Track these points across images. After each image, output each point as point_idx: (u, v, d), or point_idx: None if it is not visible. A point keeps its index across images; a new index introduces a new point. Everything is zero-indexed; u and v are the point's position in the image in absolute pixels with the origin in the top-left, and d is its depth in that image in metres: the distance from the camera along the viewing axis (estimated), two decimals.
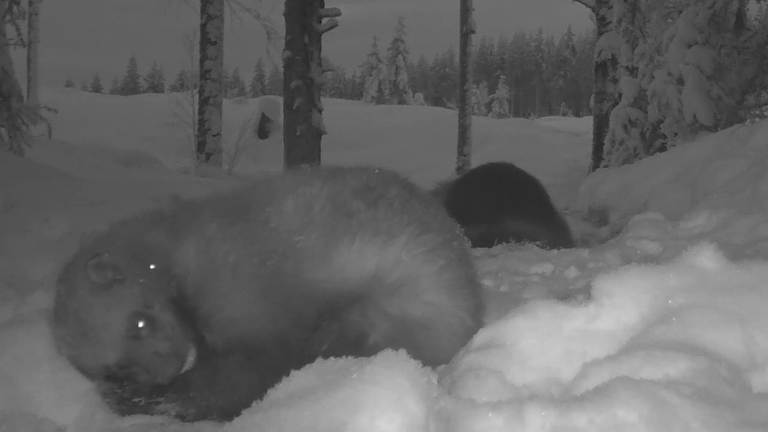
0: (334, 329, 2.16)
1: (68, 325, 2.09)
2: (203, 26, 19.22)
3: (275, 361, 2.09)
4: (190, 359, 2.13)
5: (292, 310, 2.18)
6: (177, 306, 2.13)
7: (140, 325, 2.07)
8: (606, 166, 14.57)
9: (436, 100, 75.93)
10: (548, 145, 33.86)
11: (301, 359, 1.95)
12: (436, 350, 2.18)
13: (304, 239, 2.21)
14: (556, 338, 1.89)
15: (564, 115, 73.00)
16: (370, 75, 65.20)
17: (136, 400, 2.10)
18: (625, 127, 15.08)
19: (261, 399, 1.74)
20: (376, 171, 2.46)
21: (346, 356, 1.80)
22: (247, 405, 1.76)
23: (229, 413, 1.89)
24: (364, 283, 2.19)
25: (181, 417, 2.11)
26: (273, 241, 2.21)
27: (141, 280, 2.10)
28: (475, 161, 22.71)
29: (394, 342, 2.09)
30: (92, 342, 2.07)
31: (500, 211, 5.41)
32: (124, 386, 2.12)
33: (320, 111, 13.53)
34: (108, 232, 2.27)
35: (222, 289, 2.15)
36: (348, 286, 2.19)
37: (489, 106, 68.09)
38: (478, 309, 2.34)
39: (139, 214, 2.36)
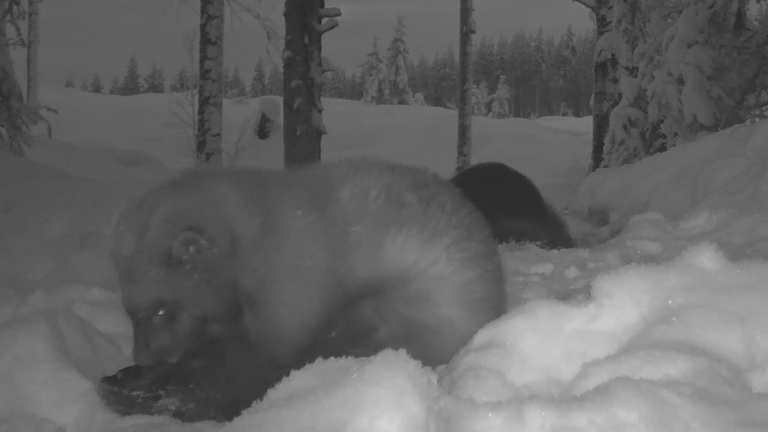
0: (345, 318, 2.18)
1: (122, 249, 2.10)
2: (203, 26, 19.20)
3: (286, 360, 2.11)
4: (170, 361, 2.16)
5: (331, 307, 2.20)
6: (211, 320, 2.14)
7: (159, 312, 2.10)
8: (606, 166, 14.56)
9: (436, 100, 75.95)
10: (548, 145, 33.87)
11: (310, 345, 1.96)
12: (442, 357, 2.18)
13: (359, 230, 2.23)
14: (556, 338, 1.90)
15: (564, 115, 73.00)
16: (370, 75, 65.19)
17: (135, 393, 2.11)
18: (625, 127, 15.07)
19: (261, 398, 1.74)
20: (433, 174, 2.49)
21: (352, 347, 1.81)
22: (246, 401, 1.77)
23: (227, 408, 1.89)
24: (394, 276, 2.21)
25: (180, 414, 2.11)
26: (335, 238, 2.22)
27: (200, 286, 2.10)
28: (475, 161, 22.70)
29: (401, 342, 2.10)
30: (124, 281, 2.11)
31: (497, 210, 5.42)
32: (122, 384, 2.13)
33: (320, 111, 13.52)
34: (208, 201, 2.17)
35: (285, 288, 2.17)
36: (379, 277, 2.21)
37: (489, 106, 68.09)
38: None
39: (236, 177, 2.30)
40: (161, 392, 2.11)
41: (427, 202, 2.30)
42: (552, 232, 5.45)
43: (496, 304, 2.35)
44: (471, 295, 2.26)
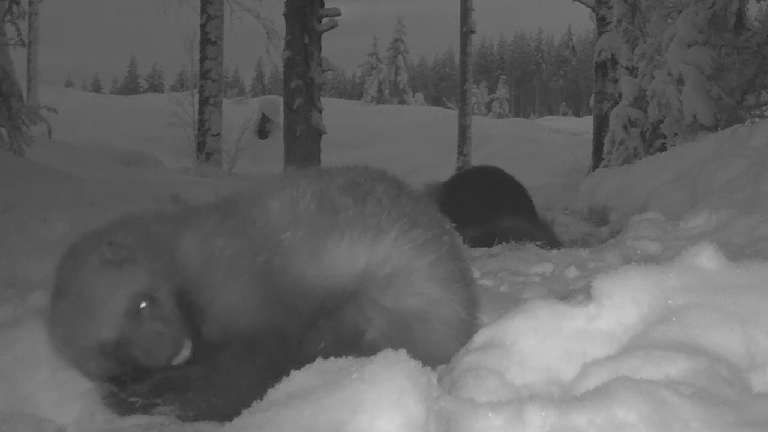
0: (331, 327, 2.17)
1: (70, 299, 2.08)
2: (203, 26, 19.23)
3: (272, 355, 2.11)
4: (185, 351, 2.11)
5: (285, 301, 2.19)
6: (177, 298, 2.15)
7: (142, 305, 2.08)
8: (606, 166, 14.58)
9: (436, 100, 75.94)
10: (548, 145, 33.90)
11: (300, 358, 1.96)
12: (431, 343, 2.18)
13: (290, 236, 2.23)
14: (556, 338, 1.89)
15: (564, 115, 73.04)
16: (370, 75, 65.22)
17: (133, 400, 2.10)
18: (625, 127, 15.09)
19: (261, 398, 1.74)
20: (363, 168, 2.47)
21: (344, 353, 1.80)
22: (246, 403, 1.76)
23: (228, 413, 1.89)
24: (355, 279, 2.20)
25: (181, 418, 2.11)
26: (261, 238, 2.23)
27: (151, 264, 2.12)
28: (475, 161, 22.74)
29: (391, 336, 2.11)
30: (92, 317, 2.05)
31: (496, 211, 5.48)
32: (122, 387, 2.12)
33: (320, 111, 13.52)
34: (119, 220, 2.30)
35: (217, 280, 2.18)
36: (340, 283, 2.20)
37: (489, 106, 68.15)
38: (471, 302, 2.35)
39: (142, 211, 2.40)
40: (158, 401, 2.10)
41: (363, 202, 2.29)
42: (545, 233, 5.52)
43: (463, 280, 2.35)
44: (436, 277, 2.25)
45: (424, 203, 2.45)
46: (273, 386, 1.75)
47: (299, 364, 1.80)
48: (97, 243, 2.11)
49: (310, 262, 2.21)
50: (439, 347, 2.18)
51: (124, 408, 2.11)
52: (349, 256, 2.21)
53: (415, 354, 1.69)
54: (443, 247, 2.32)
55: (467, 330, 2.25)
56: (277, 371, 1.84)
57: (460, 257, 2.44)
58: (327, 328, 2.17)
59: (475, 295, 2.41)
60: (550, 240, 5.41)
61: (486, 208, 5.49)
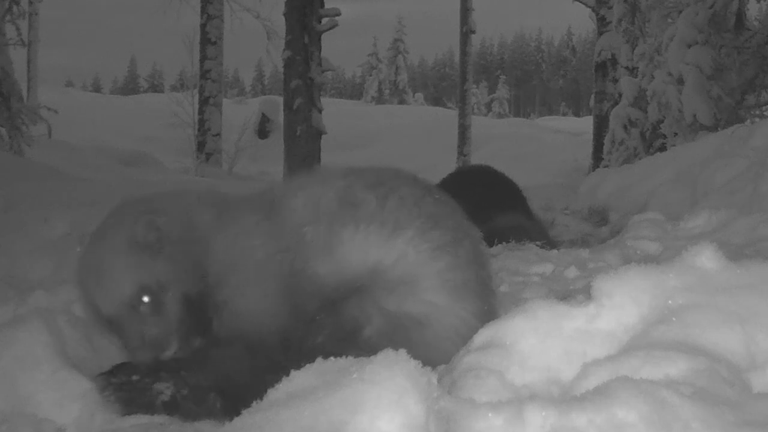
0: (330, 322, 2.18)
1: (94, 259, 2.17)
2: (203, 26, 19.24)
3: (270, 352, 2.14)
4: (168, 353, 2.17)
5: (294, 306, 2.20)
6: (193, 300, 2.17)
7: (144, 299, 2.12)
8: (606, 166, 14.58)
9: (436, 100, 75.92)
10: (548, 145, 33.90)
11: (298, 351, 1.98)
12: (431, 349, 2.17)
13: (311, 230, 2.25)
14: (556, 338, 1.89)
15: (564, 115, 73.04)
16: (370, 75, 65.24)
17: (135, 378, 2.15)
18: (625, 127, 15.09)
19: (261, 398, 1.74)
20: (393, 170, 2.46)
21: (341, 348, 1.81)
22: (242, 394, 1.79)
23: (220, 392, 1.92)
24: (364, 274, 2.20)
25: (175, 401, 2.14)
26: (287, 238, 2.25)
27: (173, 262, 2.15)
28: (475, 161, 22.75)
29: (388, 337, 2.10)
30: (101, 286, 2.14)
31: (492, 210, 5.45)
32: (119, 371, 2.16)
33: (320, 111, 13.52)
34: (168, 197, 2.34)
35: (240, 283, 2.21)
36: (349, 276, 2.20)
37: (489, 106, 68.16)
38: (485, 312, 2.28)
39: (194, 192, 2.43)
40: (153, 379, 2.15)
41: (386, 198, 2.27)
42: (540, 231, 5.51)
43: (478, 288, 2.29)
44: (448, 284, 2.22)
45: (451, 207, 2.41)
46: (273, 386, 1.75)
47: (299, 363, 1.81)
48: (138, 216, 2.14)
49: (325, 257, 2.22)
50: (440, 353, 2.15)
51: (123, 391, 2.14)
52: (363, 249, 2.21)
53: (413, 356, 1.68)
54: (462, 251, 2.28)
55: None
56: (270, 362, 1.86)
57: (482, 264, 2.38)
58: (327, 323, 2.18)
59: (492, 306, 2.33)
60: (545, 239, 5.39)
61: (481, 208, 5.47)
